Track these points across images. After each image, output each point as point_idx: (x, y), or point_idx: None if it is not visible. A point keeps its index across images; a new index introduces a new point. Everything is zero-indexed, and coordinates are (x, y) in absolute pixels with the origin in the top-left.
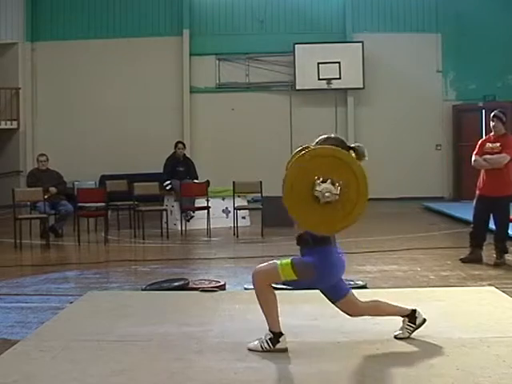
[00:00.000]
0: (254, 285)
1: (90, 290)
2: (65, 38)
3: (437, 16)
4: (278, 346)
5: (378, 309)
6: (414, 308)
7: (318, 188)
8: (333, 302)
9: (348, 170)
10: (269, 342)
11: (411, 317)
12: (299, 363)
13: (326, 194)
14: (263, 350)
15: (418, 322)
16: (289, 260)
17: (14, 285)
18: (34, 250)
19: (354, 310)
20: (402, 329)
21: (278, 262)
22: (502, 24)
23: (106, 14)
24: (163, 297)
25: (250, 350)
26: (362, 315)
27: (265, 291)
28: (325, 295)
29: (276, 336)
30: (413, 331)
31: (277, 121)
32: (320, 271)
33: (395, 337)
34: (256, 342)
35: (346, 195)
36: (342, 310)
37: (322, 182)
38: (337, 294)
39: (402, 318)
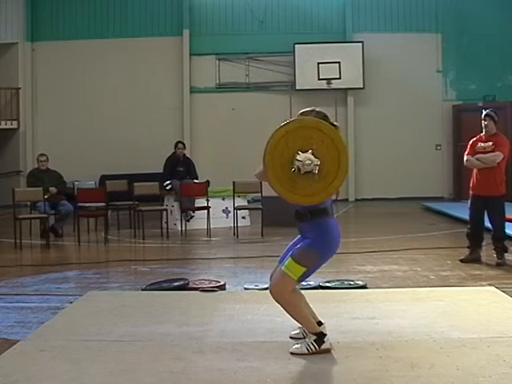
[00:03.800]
0: (277, 301)
1: (90, 290)
2: (65, 38)
3: (437, 16)
4: (323, 346)
5: (296, 305)
6: (324, 333)
7: (298, 158)
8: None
9: (330, 143)
10: (314, 343)
11: (319, 337)
12: (299, 363)
13: (307, 162)
14: (309, 353)
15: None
16: (290, 259)
17: (13, 285)
18: (34, 250)
19: (281, 286)
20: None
21: (283, 267)
22: (502, 24)
23: (105, 13)
24: (163, 297)
25: (293, 354)
26: (277, 297)
27: (289, 301)
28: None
29: (320, 337)
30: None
31: (277, 121)
32: (321, 246)
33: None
34: (299, 346)
35: (326, 167)
36: (273, 279)
37: (303, 152)
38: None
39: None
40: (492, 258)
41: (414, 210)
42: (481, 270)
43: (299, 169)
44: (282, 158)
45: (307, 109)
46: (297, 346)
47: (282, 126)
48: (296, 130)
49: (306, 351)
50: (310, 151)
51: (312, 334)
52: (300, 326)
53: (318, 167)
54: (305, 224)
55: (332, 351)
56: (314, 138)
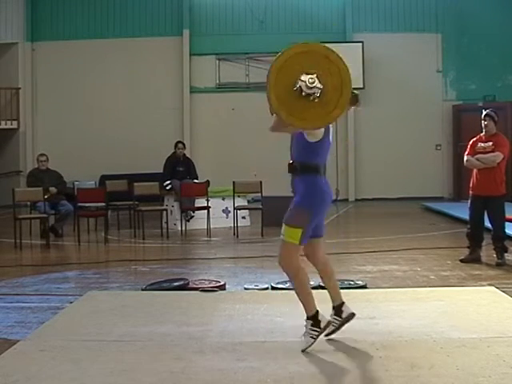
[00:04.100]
0: (286, 273)
1: (90, 290)
2: (65, 38)
3: (437, 16)
4: (322, 325)
5: (327, 274)
6: (343, 301)
7: (302, 78)
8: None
9: (336, 72)
10: (313, 328)
11: (338, 308)
12: (299, 363)
13: (310, 82)
14: (315, 339)
15: (343, 316)
16: (284, 226)
17: (13, 285)
18: (34, 250)
19: (315, 253)
20: (328, 323)
21: (281, 236)
22: (502, 24)
23: (105, 13)
24: (163, 297)
25: (303, 351)
26: (315, 264)
27: (298, 271)
28: None
29: (315, 318)
30: (339, 326)
31: None
32: (311, 203)
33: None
34: (303, 339)
35: (328, 95)
36: (306, 253)
37: (307, 74)
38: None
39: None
40: (492, 258)
41: (414, 210)
42: (481, 270)
43: (301, 89)
44: (286, 78)
45: None
46: (301, 340)
47: (290, 48)
48: (304, 54)
49: (312, 339)
50: (315, 75)
51: (308, 319)
52: (328, 320)
53: (320, 91)
54: (296, 180)
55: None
56: (320, 64)
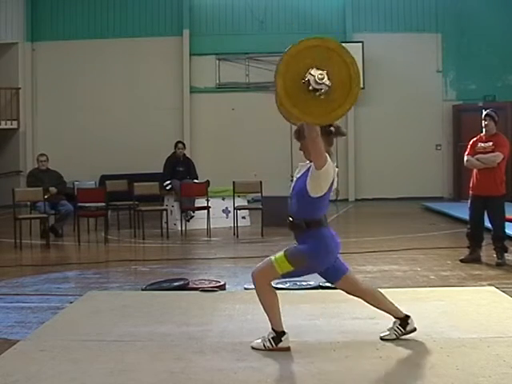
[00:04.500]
0: (254, 285)
1: (89, 290)
2: (65, 38)
3: (437, 16)
4: (281, 344)
5: (375, 297)
6: (408, 314)
7: (312, 72)
8: (332, 283)
9: (346, 71)
10: (271, 340)
11: (403, 321)
12: (299, 363)
13: (319, 77)
14: (266, 349)
15: (408, 329)
16: (282, 253)
17: (13, 285)
18: (34, 250)
19: (354, 288)
20: (389, 330)
21: (273, 257)
22: (502, 24)
23: (105, 13)
24: (163, 297)
25: (253, 348)
26: (360, 297)
27: (265, 290)
28: (324, 277)
29: (278, 335)
30: (400, 335)
31: (277, 121)
32: (315, 256)
33: (381, 338)
34: (259, 341)
35: (335, 93)
36: (342, 289)
37: (318, 69)
38: (336, 274)
39: (393, 319)
40: (492, 258)
41: (414, 210)
42: (481, 270)
43: (309, 83)
44: (296, 69)
45: None
46: (257, 341)
47: (305, 40)
48: (318, 48)
49: (263, 347)
50: (325, 72)
51: (273, 330)
52: (389, 327)
53: (327, 88)
54: (301, 235)
55: (291, 351)
56: (332, 61)
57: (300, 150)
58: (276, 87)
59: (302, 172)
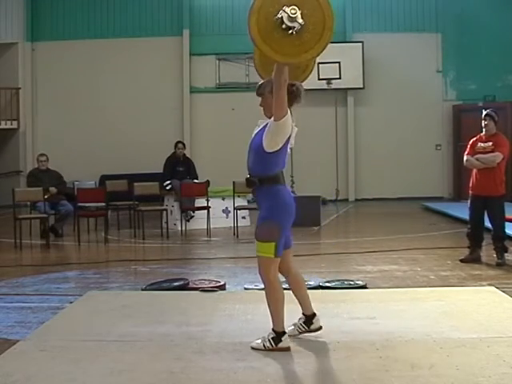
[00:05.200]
0: (263, 284)
1: (89, 290)
2: (65, 38)
3: (437, 16)
4: (281, 345)
5: (298, 282)
6: (315, 312)
7: (286, 9)
8: None
9: (320, 14)
10: (271, 341)
11: (309, 319)
12: (299, 363)
13: (292, 12)
14: (265, 349)
15: (312, 327)
16: (256, 241)
17: (13, 285)
18: (34, 250)
19: (286, 265)
20: (294, 325)
21: (256, 252)
22: (502, 24)
23: (105, 13)
24: (163, 297)
25: (253, 348)
26: (286, 276)
27: (274, 288)
28: None
29: (279, 335)
30: (302, 332)
31: None
32: (276, 213)
33: (283, 332)
34: (259, 341)
35: (307, 34)
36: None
37: (291, 6)
38: (283, 245)
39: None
40: (492, 258)
41: (414, 210)
42: (481, 270)
43: (282, 21)
44: (271, 6)
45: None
46: (257, 341)
47: None
48: None
49: (263, 347)
50: (299, 11)
51: (274, 331)
52: (294, 322)
53: (300, 27)
54: (258, 193)
55: (291, 351)
56: (307, 3)
57: (260, 105)
58: (248, 24)
59: (260, 127)
